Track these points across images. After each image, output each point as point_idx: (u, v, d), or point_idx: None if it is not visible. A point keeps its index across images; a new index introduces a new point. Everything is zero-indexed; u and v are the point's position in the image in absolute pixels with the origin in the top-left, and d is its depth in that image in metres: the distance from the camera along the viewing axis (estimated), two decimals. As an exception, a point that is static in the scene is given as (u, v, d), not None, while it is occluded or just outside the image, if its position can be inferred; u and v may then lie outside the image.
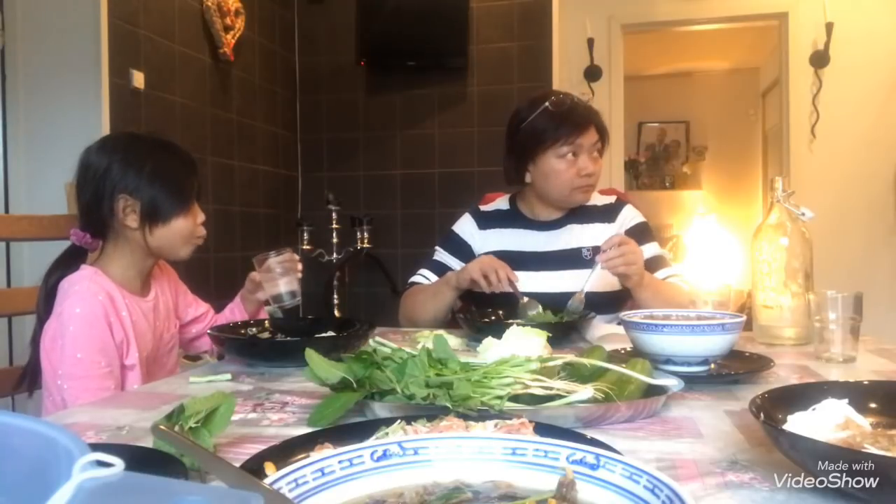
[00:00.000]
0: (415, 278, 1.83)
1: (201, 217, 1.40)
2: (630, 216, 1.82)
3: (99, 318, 1.26)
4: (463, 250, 1.85)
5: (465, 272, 1.62)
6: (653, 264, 1.73)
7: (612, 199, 1.87)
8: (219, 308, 1.63)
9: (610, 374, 0.89)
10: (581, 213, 1.82)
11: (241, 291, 1.61)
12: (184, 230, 1.37)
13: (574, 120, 1.70)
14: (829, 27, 3.94)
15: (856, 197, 4.02)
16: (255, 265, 1.50)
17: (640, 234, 1.78)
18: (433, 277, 1.80)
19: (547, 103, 1.73)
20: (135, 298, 1.36)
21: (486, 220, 1.87)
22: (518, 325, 1.12)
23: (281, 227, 3.87)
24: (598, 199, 1.87)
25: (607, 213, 1.82)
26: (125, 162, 1.32)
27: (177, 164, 1.38)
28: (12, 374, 1.49)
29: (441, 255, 1.86)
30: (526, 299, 1.59)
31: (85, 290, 1.28)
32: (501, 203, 1.91)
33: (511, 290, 1.58)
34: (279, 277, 1.47)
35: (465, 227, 1.88)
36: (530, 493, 0.48)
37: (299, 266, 1.51)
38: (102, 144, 1.35)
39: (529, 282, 1.72)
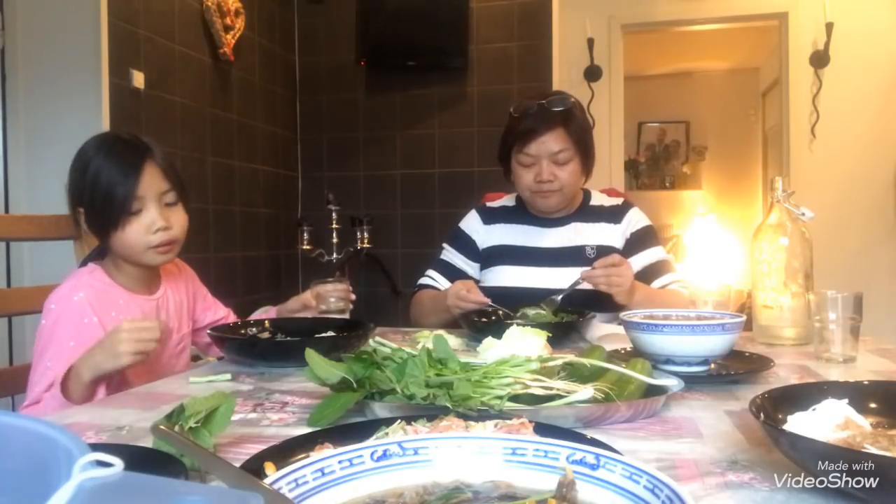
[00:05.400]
0: (423, 280, 1.86)
1: (159, 223, 1.28)
2: (636, 219, 1.82)
3: (65, 317, 1.24)
4: (468, 247, 1.87)
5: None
6: (655, 269, 1.73)
7: (619, 200, 1.88)
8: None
9: (610, 374, 0.89)
10: (587, 212, 1.83)
11: (280, 306, 1.60)
12: (133, 238, 1.28)
13: (527, 126, 1.70)
14: (829, 27, 3.93)
15: (856, 197, 4.02)
16: (311, 288, 1.58)
17: (645, 237, 1.79)
18: (440, 279, 1.83)
19: (511, 108, 1.76)
20: (135, 297, 1.35)
21: (492, 216, 1.89)
22: (518, 325, 1.12)
23: (281, 227, 3.87)
24: (605, 200, 1.88)
25: (614, 215, 1.83)
26: (72, 172, 1.30)
27: (113, 169, 1.28)
28: (12, 374, 1.49)
29: (447, 253, 1.88)
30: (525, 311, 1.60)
31: (65, 289, 1.27)
32: (508, 200, 1.94)
33: (490, 307, 1.59)
34: (331, 306, 1.55)
35: (470, 223, 1.90)
36: (530, 493, 0.48)
37: (352, 297, 1.58)
38: (75, 162, 1.32)
39: (532, 277, 1.73)
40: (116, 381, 1.21)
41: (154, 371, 1.35)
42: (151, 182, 1.28)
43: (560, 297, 1.58)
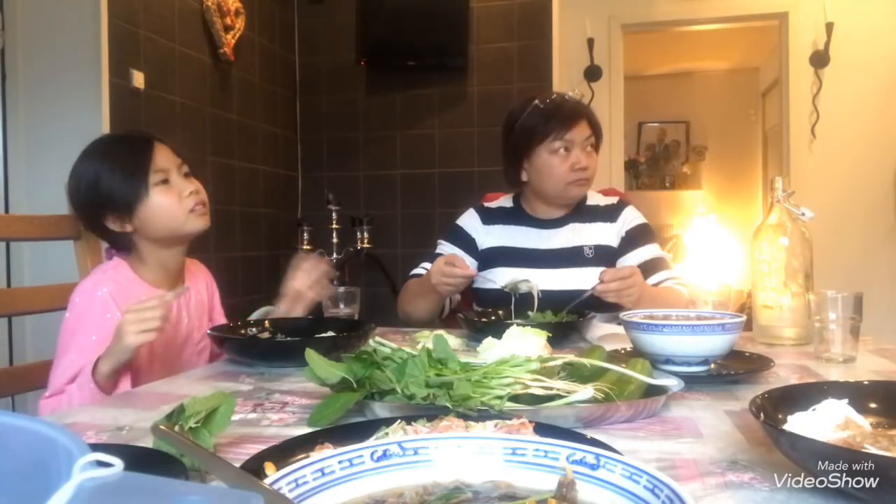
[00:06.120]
0: (416, 271, 1.85)
1: (188, 188, 1.36)
2: (631, 217, 1.83)
3: (88, 312, 1.26)
4: (468, 244, 1.86)
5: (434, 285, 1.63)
6: (650, 267, 1.73)
7: (614, 199, 1.89)
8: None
9: (610, 374, 0.89)
10: (583, 213, 1.83)
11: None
12: (166, 204, 1.33)
13: (563, 114, 1.73)
14: (829, 27, 3.93)
15: (856, 197, 4.02)
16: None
17: (641, 235, 1.79)
18: None
19: (536, 100, 1.77)
20: (159, 293, 1.35)
21: (490, 217, 1.89)
22: (518, 325, 1.12)
23: (281, 227, 3.87)
24: (600, 200, 1.88)
25: (609, 214, 1.83)
26: (85, 181, 1.32)
27: (128, 153, 1.35)
28: (12, 374, 1.49)
29: (444, 247, 1.87)
30: (520, 279, 1.61)
31: (89, 283, 1.30)
32: (505, 201, 1.93)
33: (473, 277, 1.63)
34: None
35: (469, 221, 1.90)
36: (530, 493, 0.48)
37: (332, 273, 1.62)
38: (70, 177, 1.35)
39: (531, 278, 1.73)
40: (144, 376, 1.24)
41: (176, 369, 1.36)
42: (167, 155, 1.36)
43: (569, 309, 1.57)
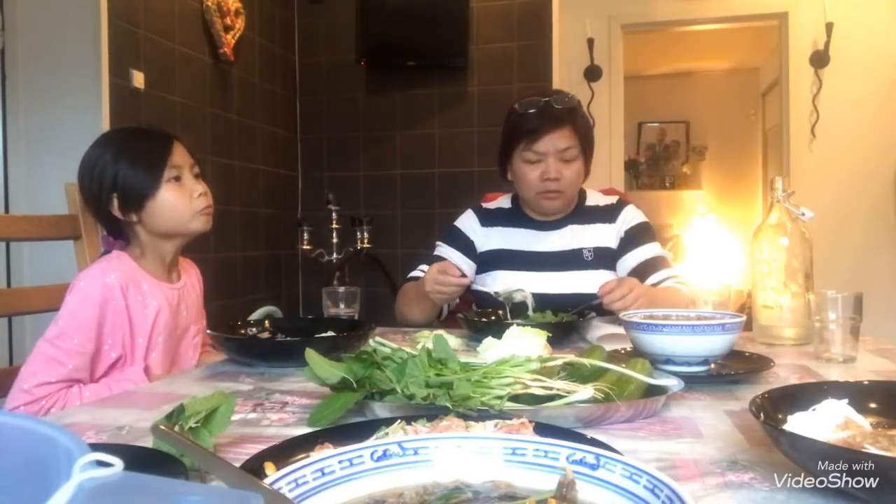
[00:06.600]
0: (414, 273, 1.82)
1: (198, 189, 1.39)
2: (631, 216, 1.80)
3: (94, 297, 1.27)
4: (467, 246, 1.83)
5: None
6: (650, 266, 1.71)
7: (613, 199, 1.86)
8: (217, 308, 1.63)
9: (610, 374, 0.89)
10: (582, 213, 1.82)
11: None
12: (176, 201, 1.35)
13: (536, 123, 1.68)
14: (829, 27, 3.93)
15: (856, 197, 4.02)
16: None
17: (641, 233, 1.77)
18: None
19: (517, 104, 1.73)
20: (160, 283, 1.39)
21: (489, 218, 1.87)
22: (518, 325, 1.12)
23: (281, 227, 3.87)
24: (600, 200, 1.86)
25: (609, 214, 1.81)
26: (100, 165, 1.35)
27: (148, 144, 1.38)
28: (12, 374, 1.49)
29: (442, 249, 1.84)
30: (514, 287, 1.60)
31: (97, 270, 1.31)
32: (504, 202, 1.91)
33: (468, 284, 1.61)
34: None
35: (467, 222, 1.88)
36: (530, 493, 0.48)
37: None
38: (83, 160, 1.37)
39: (530, 282, 1.72)
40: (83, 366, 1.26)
41: (174, 362, 1.39)
42: (183, 154, 1.39)
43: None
